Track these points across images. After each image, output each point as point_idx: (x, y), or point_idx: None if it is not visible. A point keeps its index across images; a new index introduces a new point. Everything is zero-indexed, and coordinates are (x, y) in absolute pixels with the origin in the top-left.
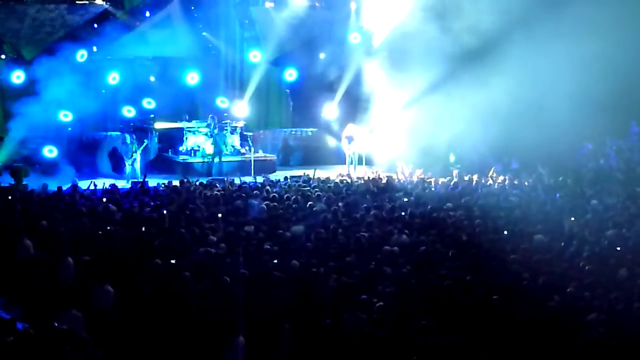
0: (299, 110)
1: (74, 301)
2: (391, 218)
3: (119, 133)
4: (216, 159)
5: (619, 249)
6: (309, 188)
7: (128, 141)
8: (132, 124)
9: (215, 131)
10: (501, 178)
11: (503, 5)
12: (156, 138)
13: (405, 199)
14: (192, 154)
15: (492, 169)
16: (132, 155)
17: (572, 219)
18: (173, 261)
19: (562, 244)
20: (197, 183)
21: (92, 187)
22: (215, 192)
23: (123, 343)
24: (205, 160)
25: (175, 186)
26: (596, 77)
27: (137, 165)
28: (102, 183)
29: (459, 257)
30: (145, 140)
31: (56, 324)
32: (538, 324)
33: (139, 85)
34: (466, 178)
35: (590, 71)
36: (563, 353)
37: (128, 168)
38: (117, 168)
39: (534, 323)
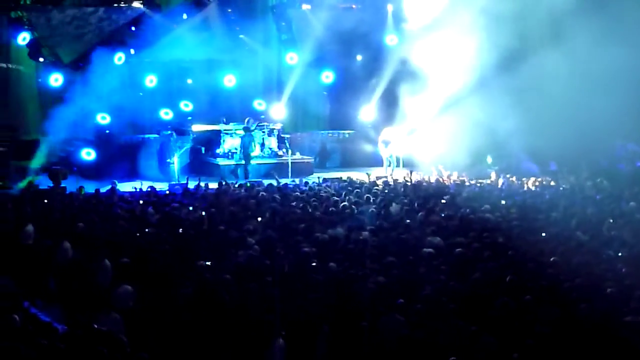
0: (336, 112)
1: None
2: (429, 220)
3: (156, 135)
4: (243, 162)
5: None
6: (346, 190)
7: (173, 138)
8: (169, 127)
9: (243, 133)
10: (538, 180)
11: (547, 6)
12: (193, 141)
13: (443, 201)
14: (230, 157)
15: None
16: (173, 155)
17: (611, 220)
18: (212, 264)
19: (601, 245)
20: (237, 185)
21: (134, 189)
22: (261, 194)
23: (161, 345)
24: (235, 163)
25: (214, 188)
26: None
27: (175, 167)
28: (140, 184)
29: (496, 259)
30: (187, 143)
31: (96, 326)
32: (575, 325)
33: (176, 88)
34: (502, 180)
35: (632, 71)
36: (600, 355)
37: (174, 168)
38: (162, 168)
39: (572, 325)
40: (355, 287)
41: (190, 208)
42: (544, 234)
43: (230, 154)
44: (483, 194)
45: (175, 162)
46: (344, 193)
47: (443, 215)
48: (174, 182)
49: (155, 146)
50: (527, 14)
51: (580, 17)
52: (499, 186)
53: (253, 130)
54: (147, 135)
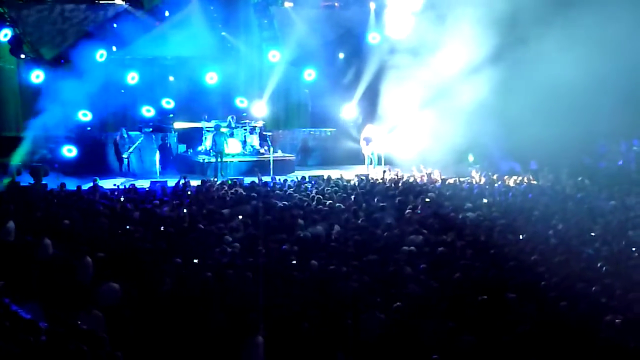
0: (318, 110)
1: (92, 300)
2: (410, 218)
3: (138, 132)
4: (218, 159)
5: (634, 249)
6: (328, 188)
7: (125, 135)
8: (151, 124)
9: (214, 131)
10: (519, 179)
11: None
12: (175, 138)
13: (427, 200)
14: (211, 154)
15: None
16: (128, 150)
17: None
18: (194, 261)
19: (581, 244)
20: (218, 182)
21: (115, 186)
22: (239, 192)
23: (142, 342)
24: (208, 160)
25: (196, 185)
26: (624, 76)
27: (158, 163)
28: (124, 180)
29: (477, 258)
30: (139, 139)
31: (79, 324)
32: (556, 324)
33: (158, 85)
34: (483, 179)
35: (618, 70)
36: (580, 354)
37: (125, 162)
38: (119, 164)
39: (552, 324)
40: (336, 285)
41: (174, 203)
42: (524, 233)
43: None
44: (464, 193)
45: (157, 159)
46: (324, 190)
47: (424, 213)
48: (155, 179)
49: (111, 143)
50: (512, 12)
51: (566, 15)
52: (480, 185)
53: (226, 128)
54: (129, 132)
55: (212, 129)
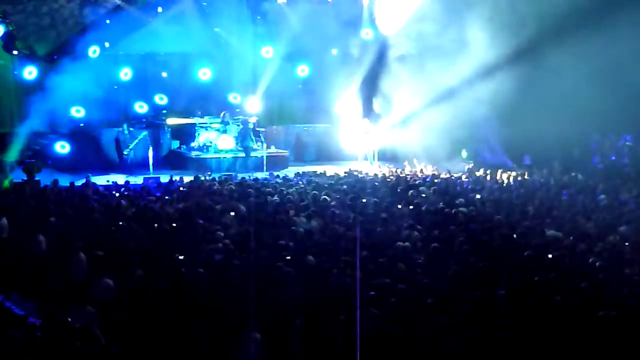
0: (312, 105)
1: (85, 297)
2: (404, 214)
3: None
4: (242, 155)
5: (627, 244)
6: (321, 184)
7: (126, 132)
8: (144, 120)
9: (241, 127)
10: (513, 174)
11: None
12: (168, 134)
13: (419, 195)
14: (205, 150)
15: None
16: (128, 146)
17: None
18: (187, 258)
19: (575, 239)
20: (211, 178)
21: (108, 182)
22: (232, 188)
23: (136, 338)
24: (235, 155)
25: (190, 182)
26: (616, 71)
27: (150, 160)
28: (115, 178)
29: (471, 253)
30: (142, 134)
31: (71, 320)
32: (549, 320)
33: (151, 81)
34: (478, 174)
35: (610, 66)
36: (574, 349)
37: (125, 158)
38: (120, 160)
39: (546, 319)
40: (329, 281)
41: (167, 199)
42: (518, 228)
43: (205, 147)
44: (457, 188)
45: (151, 155)
46: (317, 186)
47: (417, 209)
48: (149, 176)
49: (112, 140)
50: (511, 11)
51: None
52: (473, 180)
53: (249, 123)
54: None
55: (240, 124)
